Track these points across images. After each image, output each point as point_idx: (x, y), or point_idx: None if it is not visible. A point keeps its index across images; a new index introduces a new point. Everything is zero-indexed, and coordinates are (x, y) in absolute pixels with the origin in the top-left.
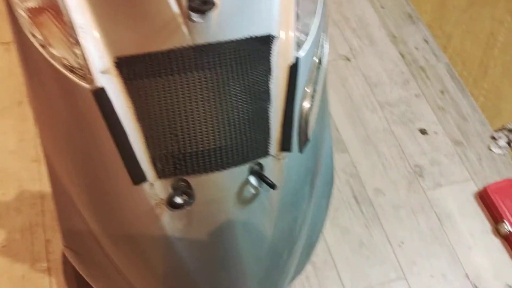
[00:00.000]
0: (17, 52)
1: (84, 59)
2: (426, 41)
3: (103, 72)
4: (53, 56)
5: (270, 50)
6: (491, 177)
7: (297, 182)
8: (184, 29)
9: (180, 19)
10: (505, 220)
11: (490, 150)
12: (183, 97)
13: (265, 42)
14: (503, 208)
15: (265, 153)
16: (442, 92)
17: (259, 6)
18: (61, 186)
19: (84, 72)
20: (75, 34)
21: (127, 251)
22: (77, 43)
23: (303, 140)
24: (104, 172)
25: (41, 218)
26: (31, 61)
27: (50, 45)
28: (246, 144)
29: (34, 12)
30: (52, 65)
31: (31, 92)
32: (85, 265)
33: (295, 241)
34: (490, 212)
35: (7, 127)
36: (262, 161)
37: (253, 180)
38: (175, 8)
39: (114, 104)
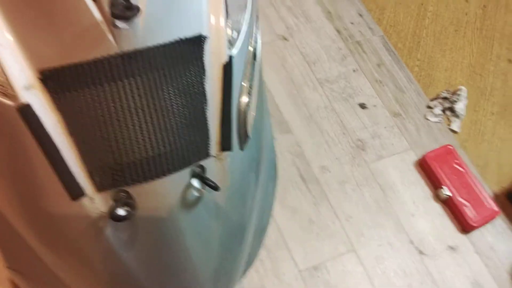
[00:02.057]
0: None
1: (4, 75)
2: (360, 15)
3: (27, 87)
4: None
5: (202, 50)
6: (429, 145)
7: (242, 178)
8: (110, 36)
9: (105, 26)
10: (443, 186)
11: (427, 119)
12: (114, 107)
13: (196, 43)
14: (441, 174)
15: (206, 154)
16: (378, 65)
17: (187, 7)
18: None
19: (6, 88)
20: None
21: (73, 267)
22: None
23: (243, 138)
24: (39, 190)
25: None
26: None
27: None
28: (185, 148)
29: None
30: None
31: None
32: (31, 284)
33: (244, 233)
34: (430, 179)
35: None
36: (203, 163)
37: (195, 183)
38: (97, 15)
39: (42, 119)
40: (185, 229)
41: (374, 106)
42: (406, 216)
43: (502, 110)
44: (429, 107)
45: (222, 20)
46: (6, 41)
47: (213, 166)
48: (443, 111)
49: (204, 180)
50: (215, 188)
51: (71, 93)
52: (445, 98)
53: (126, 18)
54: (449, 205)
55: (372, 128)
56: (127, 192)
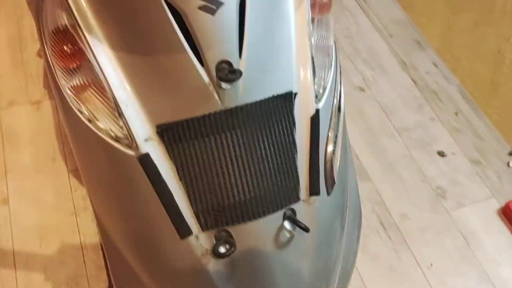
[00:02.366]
0: (64, 125)
1: (128, 130)
2: (435, 65)
3: (146, 139)
4: (99, 129)
5: (292, 105)
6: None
7: (329, 221)
8: (215, 96)
9: (211, 88)
10: None
11: (509, 166)
12: (218, 156)
13: (287, 98)
14: None
15: (296, 199)
16: (456, 113)
17: (279, 68)
18: (112, 244)
19: (129, 141)
20: (119, 108)
21: None
22: (120, 116)
23: (330, 183)
24: (152, 229)
25: (84, 269)
26: (79, 133)
27: (96, 119)
28: (278, 192)
29: (78, 90)
30: (99, 137)
31: (80, 161)
32: None
33: (330, 276)
34: None
35: (44, 183)
36: (294, 206)
37: (287, 225)
38: (206, 78)
39: (158, 166)
40: (277, 268)
41: (453, 153)
42: (490, 265)
43: None
44: (511, 154)
45: (310, 78)
46: (130, 101)
47: (302, 209)
48: None
49: (295, 222)
50: (305, 229)
51: (182, 144)
52: None
53: (230, 81)
54: None
55: (451, 175)
56: (227, 232)
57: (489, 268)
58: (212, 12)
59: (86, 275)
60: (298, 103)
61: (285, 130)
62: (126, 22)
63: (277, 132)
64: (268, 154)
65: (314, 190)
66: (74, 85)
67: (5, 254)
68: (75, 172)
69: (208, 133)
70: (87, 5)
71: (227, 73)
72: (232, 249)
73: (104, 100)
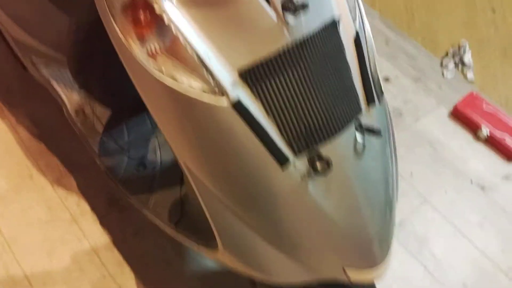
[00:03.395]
0: (144, 97)
1: (216, 80)
2: None
3: (233, 85)
4: (187, 88)
5: (338, 31)
6: (454, 97)
7: (385, 126)
8: (285, 31)
9: (280, 24)
10: (481, 127)
11: (444, 76)
12: (296, 85)
13: (333, 25)
14: (476, 118)
15: (359, 109)
16: (386, 42)
17: (321, 1)
18: (210, 195)
19: (219, 91)
20: (203, 62)
21: (284, 226)
22: (206, 69)
23: (379, 92)
24: (253, 167)
25: (104, 269)
26: (164, 99)
27: (180, 79)
28: (346, 107)
29: (155, 56)
30: (188, 96)
31: (168, 127)
32: (243, 260)
33: (394, 179)
34: (467, 125)
35: (30, 201)
36: (359, 116)
37: (359, 137)
38: (274, 16)
39: (249, 108)
40: (359, 174)
41: (396, 77)
42: (458, 161)
43: (503, 52)
44: (442, 65)
45: (345, 3)
46: (211, 53)
47: (365, 118)
48: (456, 65)
49: (368, 129)
50: (378, 132)
51: (264, 82)
52: (454, 55)
53: (297, 12)
54: (491, 142)
55: (402, 95)
56: (317, 152)
57: (459, 164)
58: None
59: (109, 274)
60: (341, 28)
61: (338, 53)
62: None
63: (334, 56)
64: (332, 76)
65: (370, 99)
66: (151, 51)
67: (18, 281)
68: (58, 181)
69: (284, 67)
70: None
71: (293, 7)
72: (327, 164)
73: (186, 58)
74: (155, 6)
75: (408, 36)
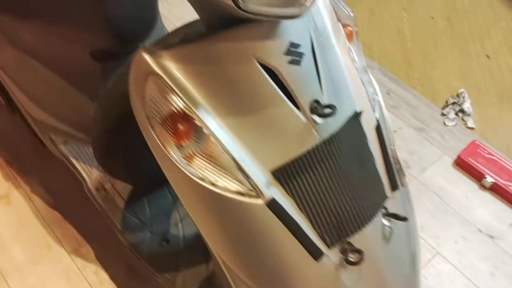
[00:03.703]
0: (183, 199)
1: (252, 182)
2: None
3: (267, 186)
4: (224, 189)
5: (360, 122)
6: (457, 145)
7: (409, 208)
8: (314, 131)
9: (309, 125)
10: (486, 175)
11: (445, 125)
12: (326, 181)
13: (356, 117)
14: (479, 167)
15: (385, 196)
16: (388, 93)
17: (344, 94)
18: (243, 285)
19: (255, 192)
20: (239, 165)
21: None
22: (241, 171)
23: (401, 175)
24: (288, 261)
25: None
26: (203, 199)
27: (217, 182)
28: (373, 197)
29: (193, 160)
30: (226, 197)
31: (206, 225)
32: None
33: (419, 256)
34: (471, 174)
35: (48, 273)
36: (385, 204)
37: (386, 222)
38: (303, 119)
39: (283, 206)
40: (388, 259)
41: (400, 128)
42: (465, 210)
43: (500, 98)
44: (443, 114)
45: (364, 95)
46: (246, 157)
47: (391, 205)
48: (456, 114)
49: (395, 216)
50: (404, 219)
51: (296, 180)
52: (454, 103)
53: (329, 116)
54: (495, 189)
55: (406, 147)
56: (348, 243)
57: (466, 213)
58: (298, 63)
59: None
60: (363, 118)
61: (362, 144)
62: (228, 91)
63: (358, 147)
64: (358, 167)
65: (394, 185)
66: (188, 155)
67: None
68: (75, 251)
69: (314, 164)
70: (191, 85)
71: (322, 109)
72: (360, 255)
73: (222, 162)
74: (195, 119)
75: (407, 86)
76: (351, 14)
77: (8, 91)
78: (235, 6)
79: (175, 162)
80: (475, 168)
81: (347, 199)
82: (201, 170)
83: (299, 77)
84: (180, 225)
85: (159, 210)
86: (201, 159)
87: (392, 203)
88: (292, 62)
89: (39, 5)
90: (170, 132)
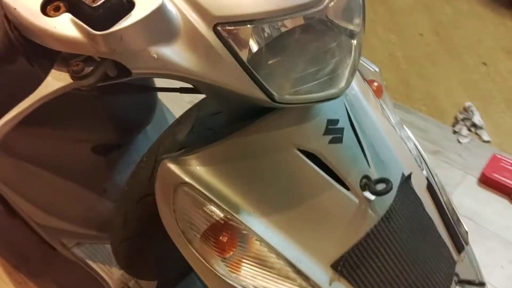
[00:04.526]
0: None
1: (312, 284)
2: None
3: (330, 283)
4: None
5: (412, 186)
6: (478, 162)
7: (476, 265)
8: (369, 211)
9: (363, 206)
10: None
11: (460, 142)
12: (392, 262)
13: (407, 182)
14: (507, 181)
15: (454, 263)
16: None
17: (390, 160)
18: None
19: None
20: (295, 267)
21: None
22: (299, 274)
23: (464, 234)
24: None
25: None
26: None
27: None
28: (443, 267)
29: (240, 268)
30: None
31: None
32: None
33: None
34: (499, 189)
35: None
36: (456, 270)
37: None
38: (356, 200)
39: None
40: None
41: None
42: (502, 230)
43: (508, 104)
44: (455, 132)
45: (408, 155)
46: (301, 256)
47: (461, 269)
48: (469, 129)
49: (469, 283)
50: (481, 284)
51: (359, 269)
52: (464, 119)
53: (382, 194)
54: None
55: None
56: None
57: (504, 233)
58: (340, 140)
59: None
60: (413, 181)
61: (418, 210)
62: (269, 186)
63: (416, 215)
64: (421, 238)
65: (460, 247)
66: (235, 265)
67: None
68: None
69: (377, 247)
70: (227, 188)
71: (375, 185)
72: None
73: (274, 266)
74: (239, 225)
75: (411, 108)
76: (376, 70)
77: (8, 200)
78: (269, 100)
79: (222, 277)
80: (502, 183)
81: (418, 277)
82: (253, 279)
83: (343, 155)
84: None
85: None
86: (251, 265)
87: (462, 267)
88: (333, 141)
89: (35, 113)
90: (212, 245)
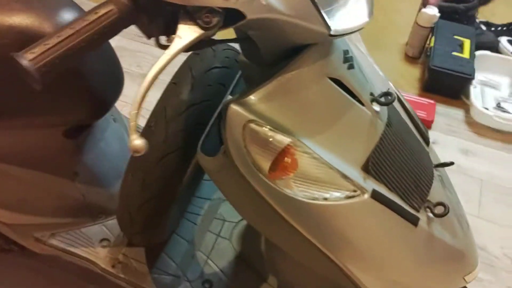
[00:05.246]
0: (299, 223)
1: (354, 184)
2: None
3: (365, 180)
4: (338, 199)
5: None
6: None
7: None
8: (379, 121)
9: (374, 117)
10: None
11: None
12: (399, 156)
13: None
14: None
15: (427, 152)
16: None
17: (378, 80)
18: None
19: (360, 190)
20: (343, 174)
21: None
22: (345, 178)
23: (426, 131)
24: (399, 237)
25: None
26: (317, 218)
27: (331, 198)
28: (424, 155)
29: (299, 185)
30: (341, 205)
31: (325, 240)
32: None
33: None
34: None
35: None
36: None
37: (436, 172)
38: (369, 113)
39: (381, 192)
40: (449, 201)
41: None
42: None
43: None
44: None
45: (385, 78)
46: (342, 163)
47: (433, 157)
48: None
49: (442, 165)
50: (450, 163)
51: (380, 166)
52: None
53: (388, 104)
54: None
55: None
56: (428, 201)
57: None
58: (353, 66)
59: None
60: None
61: (398, 115)
62: (311, 112)
63: (399, 119)
64: (407, 135)
65: (427, 141)
66: (298, 183)
67: None
68: None
69: (387, 147)
70: (283, 119)
71: (379, 99)
72: (443, 206)
73: (328, 176)
74: (301, 148)
75: None
76: None
77: None
78: (326, 32)
79: (294, 196)
80: None
81: (415, 165)
82: (312, 191)
83: (357, 78)
84: (210, 261)
85: (182, 257)
86: (310, 180)
87: (432, 156)
88: (349, 67)
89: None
90: (280, 170)
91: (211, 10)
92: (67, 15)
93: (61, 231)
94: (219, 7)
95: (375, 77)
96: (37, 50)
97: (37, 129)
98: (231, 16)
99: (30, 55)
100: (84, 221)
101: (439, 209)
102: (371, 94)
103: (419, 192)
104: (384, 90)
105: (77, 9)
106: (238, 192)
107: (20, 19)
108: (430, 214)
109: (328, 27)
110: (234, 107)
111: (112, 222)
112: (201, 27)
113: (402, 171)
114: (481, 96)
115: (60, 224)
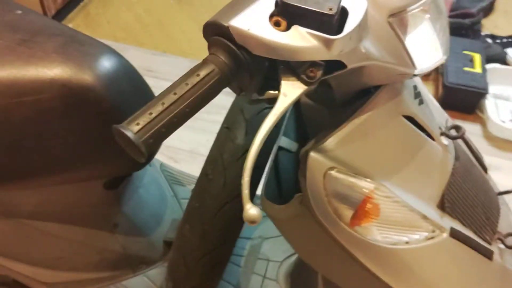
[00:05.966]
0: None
1: (433, 224)
2: None
3: (442, 219)
4: (418, 242)
5: None
6: None
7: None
8: (448, 155)
9: (444, 150)
10: None
11: None
12: (468, 190)
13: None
14: None
15: (488, 181)
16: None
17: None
18: None
19: (439, 230)
20: (422, 214)
21: None
22: (424, 219)
23: (483, 158)
24: (477, 273)
25: None
26: (404, 261)
27: (411, 241)
28: (487, 185)
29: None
30: (422, 248)
31: (408, 282)
32: None
33: None
34: None
35: None
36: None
37: (501, 200)
38: (439, 147)
39: (457, 228)
40: None
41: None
42: None
43: None
44: None
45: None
46: (420, 203)
47: (493, 184)
48: None
49: (507, 192)
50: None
51: (453, 202)
52: None
53: (457, 138)
54: None
55: None
56: (498, 232)
57: None
58: (423, 101)
59: None
60: None
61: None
62: (387, 152)
63: (463, 151)
64: (471, 167)
65: (485, 170)
66: (380, 228)
67: None
68: None
69: (458, 181)
70: (362, 163)
71: (448, 132)
72: None
73: (409, 219)
74: (383, 192)
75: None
76: None
77: None
78: (411, 72)
79: (375, 243)
80: None
81: (483, 195)
82: (392, 236)
83: (427, 113)
84: None
85: None
86: (390, 224)
87: (491, 183)
88: (420, 103)
89: (40, 165)
90: (361, 217)
91: (314, 64)
92: (107, 63)
93: (101, 285)
94: (323, 60)
95: (435, 109)
96: (142, 121)
97: (77, 183)
98: (330, 66)
99: (135, 127)
100: (124, 273)
101: (509, 240)
102: (439, 128)
103: (490, 224)
104: (443, 121)
105: (117, 56)
106: (310, 240)
107: (60, 71)
108: (502, 246)
109: (415, 68)
110: (313, 155)
111: (154, 272)
112: (305, 82)
113: (473, 204)
114: (496, 109)
115: (99, 278)
